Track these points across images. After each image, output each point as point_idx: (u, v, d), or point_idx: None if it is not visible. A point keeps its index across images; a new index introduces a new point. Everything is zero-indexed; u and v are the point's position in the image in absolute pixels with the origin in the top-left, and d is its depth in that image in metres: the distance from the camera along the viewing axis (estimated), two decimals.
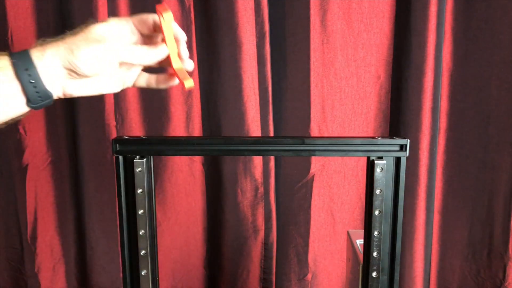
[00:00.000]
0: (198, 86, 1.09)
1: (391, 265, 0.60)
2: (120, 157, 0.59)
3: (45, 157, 1.11)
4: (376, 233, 0.58)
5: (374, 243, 0.59)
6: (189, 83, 0.54)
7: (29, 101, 0.49)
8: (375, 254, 0.59)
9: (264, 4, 1.03)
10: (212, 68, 1.07)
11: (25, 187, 1.11)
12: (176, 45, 0.55)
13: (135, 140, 0.59)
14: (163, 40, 0.54)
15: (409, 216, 1.10)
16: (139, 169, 0.57)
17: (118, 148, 0.59)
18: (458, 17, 1.07)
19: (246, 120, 1.06)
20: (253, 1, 1.02)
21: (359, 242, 0.76)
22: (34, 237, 1.14)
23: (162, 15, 0.52)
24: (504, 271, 1.15)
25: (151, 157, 0.60)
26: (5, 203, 1.13)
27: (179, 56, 0.55)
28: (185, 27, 1.05)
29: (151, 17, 0.54)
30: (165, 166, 1.11)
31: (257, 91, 1.06)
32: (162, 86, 0.59)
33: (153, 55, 0.53)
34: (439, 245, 1.18)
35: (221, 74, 1.05)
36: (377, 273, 0.60)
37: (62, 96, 0.53)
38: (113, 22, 0.53)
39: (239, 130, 1.06)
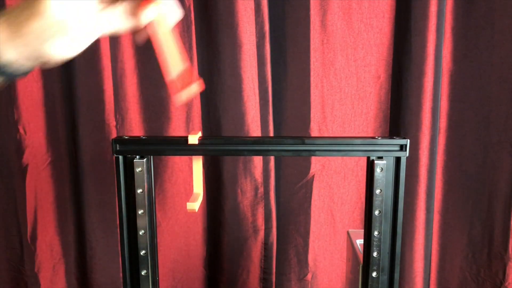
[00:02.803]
0: None
1: (391, 265, 0.60)
2: (120, 157, 0.59)
3: (45, 157, 1.11)
4: (376, 233, 0.58)
5: (374, 243, 0.59)
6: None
7: None
8: (375, 254, 0.59)
9: (264, 4, 1.03)
10: (212, 68, 1.07)
11: (25, 187, 1.11)
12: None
13: (135, 140, 0.59)
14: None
15: (409, 216, 1.10)
16: (139, 169, 0.57)
17: (118, 148, 0.59)
18: (458, 17, 1.07)
19: (246, 120, 1.06)
20: (253, 1, 1.02)
21: (359, 242, 0.76)
22: (34, 237, 1.14)
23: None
24: (504, 271, 1.15)
25: (151, 157, 0.60)
26: (5, 203, 1.13)
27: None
28: (185, 27, 1.05)
29: None
30: (165, 166, 1.11)
31: (257, 91, 1.06)
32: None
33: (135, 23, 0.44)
34: (439, 245, 1.18)
35: (221, 74, 1.05)
36: (377, 273, 0.60)
37: None
38: None
39: (239, 130, 1.06)
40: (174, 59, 0.45)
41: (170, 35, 0.44)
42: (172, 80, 0.46)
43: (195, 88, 0.45)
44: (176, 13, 0.45)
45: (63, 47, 0.43)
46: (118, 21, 0.45)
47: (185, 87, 0.45)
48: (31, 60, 0.44)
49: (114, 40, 1.05)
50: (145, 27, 0.44)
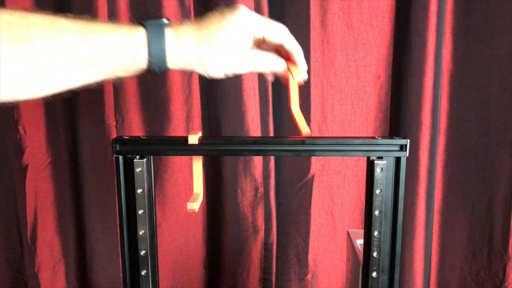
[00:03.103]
0: (198, 86, 1.08)
1: (391, 265, 0.60)
2: (120, 157, 0.59)
3: (45, 157, 1.11)
4: (376, 233, 0.58)
5: (374, 243, 0.59)
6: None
7: (147, 71, 0.52)
8: (375, 254, 0.59)
9: (264, 4, 1.03)
10: None
11: (25, 187, 1.11)
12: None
13: (135, 140, 0.59)
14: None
15: (409, 216, 1.10)
16: (139, 169, 0.57)
17: (118, 148, 0.59)
18: (458, 17, 1.07)
19: (246, 120, 1.06)
20: (253, 1, 1.02)
21: (359, 242, 0.76)
22: (34, 237, 1.14)
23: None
24: (504, 271, 1.15)
25: (151, 157, 0.60)
26: (5, 203, 1.13)
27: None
28: None
29: (278, 39, 0.56)
30: (165, 166, 1.11)
31: (257, 91, 1.06)
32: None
33: (275, 65, 0.58)
34: (439, 245, 1.18)
35: None
36: (377, 273, 0.59)
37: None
38: (247, 20, 0.54)
39: (239, 130, 1.06)
40: (295, 102, 0.61)
41: (297, 86, 0.60)
42: (294, 114, 0.61)
43: (307, 129, 0.59)
44: (303, 76, 0.60)
45: (218, 63, 0.52)
46: (263, 63, 0.57)
47: (300, 125, 0.60)
48: (186, 62, 0.52)
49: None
50: (283, 73, 0.59)
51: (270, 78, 0.62)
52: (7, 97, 0.46)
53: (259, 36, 0.55)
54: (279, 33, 0.56)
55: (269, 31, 0.55)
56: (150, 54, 0.50)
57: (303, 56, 0.59)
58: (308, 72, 1.07)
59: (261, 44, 0.58)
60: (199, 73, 0.53)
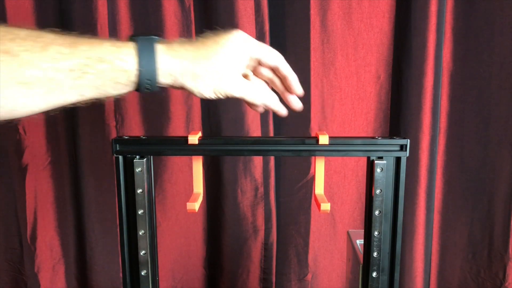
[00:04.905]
0: None
1: (391, 265, 0.60)
2: (120, 157, 0.59)
3: (45, 157, 1.11)
4: (376, 233, 0.58)
5: (374, 243, 0.59)
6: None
7: (135, 90, 0.50)
8: (375, 254, 0.59)
9: (264, 4, 1.03)
10: None
11: (25, 187, 1.11)
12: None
13: (135, 140, 0.59)
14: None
15: (409, 216, 1.10)
16: (139, 169, 0.57)
17: (118, 148, 0.59)
18: (458, 17, 1.07)
19: (246, 120, 1.06)
20: (253, 1, 1.02)
21: (359, 242, 0.76)
22: (33, 237, 1.14)
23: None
24: (504, 271, 1.15)
25: (151, 157, 0.60)
26: (5, 203, 1.13)
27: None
28: (185, 27, 1.05)
29: (273, 62, 0.58)
30: (165, 166, 1.11)
31: None
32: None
33: (266, 98, 0.57)
34: (439, 245, 1.18)
35: None
36: (377, 273, 0.59)
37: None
38: (245, 41, 0.54)
39: (239, 130, 1.06)
40: (320, 183, 0.63)
41: (323, 167, 0.62)
42: (315, 194, 0.63)
43: (327, 207, 0.59)
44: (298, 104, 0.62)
45: (211, 80, 0.52)
46: (255, 92, 0.56)
47: (319, 204, 0.60)
48: (178, 76, 0.51)
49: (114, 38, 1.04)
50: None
51: (260, 110, 0.61)
52: None
53: (255, 57, 0.55)
54: (275, 56, 0.57)
55: (265, 53, 0.56)
56: (140, 63, 0.48)
57: (298, 81, 0.60)
58: (308, 72, 1.07)
59: (257, 70, 0.59)
60: (190, 89, 0.52)
